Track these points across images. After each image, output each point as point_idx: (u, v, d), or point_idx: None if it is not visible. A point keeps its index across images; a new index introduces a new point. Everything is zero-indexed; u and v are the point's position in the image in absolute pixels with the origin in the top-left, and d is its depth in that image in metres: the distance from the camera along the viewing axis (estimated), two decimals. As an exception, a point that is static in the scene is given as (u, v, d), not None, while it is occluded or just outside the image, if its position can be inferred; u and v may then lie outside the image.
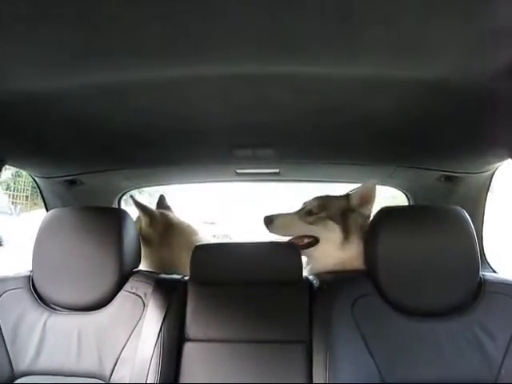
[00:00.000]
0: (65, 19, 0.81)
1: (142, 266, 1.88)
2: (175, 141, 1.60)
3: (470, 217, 1.47)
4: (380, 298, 1.45)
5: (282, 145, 1.67)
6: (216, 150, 1.74)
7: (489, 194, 1.92)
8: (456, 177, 1.86)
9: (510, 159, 1.52)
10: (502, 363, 1.38)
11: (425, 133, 1.47)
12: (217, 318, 1.55)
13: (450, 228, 1.46)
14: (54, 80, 1.06)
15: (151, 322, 1.48)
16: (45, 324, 1.50)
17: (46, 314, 1.52)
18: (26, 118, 1.28)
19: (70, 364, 1.47)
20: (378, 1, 0.78)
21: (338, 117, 1.34)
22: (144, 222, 2.02)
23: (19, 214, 8.40)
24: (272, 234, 1.78)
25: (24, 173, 2.02)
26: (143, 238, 1.96)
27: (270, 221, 1.78)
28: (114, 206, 2.33)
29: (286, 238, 1.78)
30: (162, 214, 2.08)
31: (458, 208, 1.49)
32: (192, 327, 1.55)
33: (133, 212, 1.72)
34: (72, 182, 2.03)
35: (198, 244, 1.70)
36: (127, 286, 1.54)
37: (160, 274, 1.70)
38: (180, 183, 2.33)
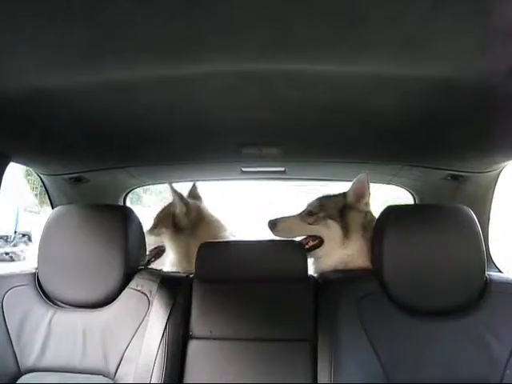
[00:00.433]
0: (73, 16, 0.81)
1: (171, 253, 1.95)
2: (181, 138, 1.60)
3: (476, 216, 1.46)
4: (385, 297, 1.44)
5: (288, 143, 1.67)
6: (222, 147, 1.74)
7: (495, 193, 1.91)
8: (462, 176, 1.85)
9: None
10: (508, 363, 1.37)
11: (431, 132, 1.47)
12: (222, 316, 1.55)
13: (456, 227, 1.45)
14: (60, 77, 1.06)
15: (156, 319, 1.48)
16: (50, 321, 1.51)
17: (51, 311, 1.52)
18: (32, 114, 1.28)
19: (75, 361, 1.47)
20: None
21: (344, 115, 1.34)
22: (179, 209, 2.01)
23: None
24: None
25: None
26: (176, 225, 1.99)
27: (273, 225, 1.81)
28: (119, 204, 2.33)
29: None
30: (195, 204, 2.09)
31: (464, 207, 1.49)
32: (197, 325, 1.55)
33: (138, 210, 1.72)
34: (78, 180, 2.03)
35: (203, 242, 1.70)
36: (132, 284, 1.54)
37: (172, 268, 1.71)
38: (186, 181, 2.32)
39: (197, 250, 1.63)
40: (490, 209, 1.93)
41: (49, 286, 1.54)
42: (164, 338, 1.45)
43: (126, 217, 1.56)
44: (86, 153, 1.77)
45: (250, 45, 0.93)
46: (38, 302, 1.53)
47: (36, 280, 1.56)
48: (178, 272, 1.87)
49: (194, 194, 2.18)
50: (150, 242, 2.04)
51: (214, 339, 1.53)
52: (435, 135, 1.49)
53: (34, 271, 1.58)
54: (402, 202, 2.34)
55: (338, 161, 1.94)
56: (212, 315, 1.55)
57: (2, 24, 0.83)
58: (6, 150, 1.57)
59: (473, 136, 1.45)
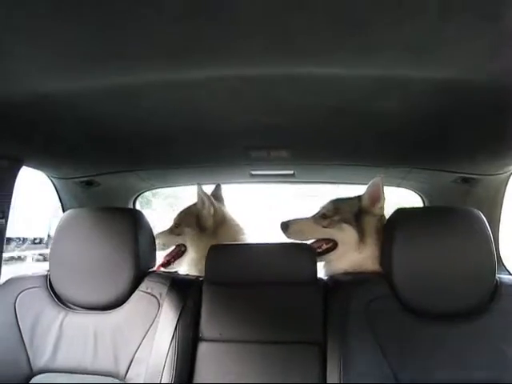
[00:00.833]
0: (79, 20, 0.82)
1: (191, 253, 1.99)
2: (190, 142, 1.61)
3: (486, 219, 1.46)
4: (395, 300, 1.44)
5: (297, 146, 1.67)
6: (231, 151, 1.74)
7: (505, 195, 1.90)
8: (472, 178, 1.84)
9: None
10: None
11: (440, 134, 1.46)
12: (231, 319, 1.55)
13: (466, 230, 1.45)
14: (68, 81, 1.07)
15: (166, 321, 1.48)
16: (62, 323, 1.52)
17: (62, 313, 1.54)
18: (41, 119, 1.30)
19: (86, 362, 1.48)
20: (390, 1, 0.78)
21: (352, 117, 1.34)
22: (207, 210, 2.02)
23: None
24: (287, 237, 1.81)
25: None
26: (200, 225, 2.01)
27: (286, 226, 1.81)
28: (129, 207, 2.35)
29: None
30: (219, 206, 2.10)
31: (475, 210, 1.48)
32: (207, 327, 1.55)
33: (147, 214, 1.73)
34: (88, 183, 2.05)
35: (213, 244, 1.71)
36: (142, 286, 1.55)
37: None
38: (195, 184, 2.34)
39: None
40: (500, 211, 1.92)
41: (60, 289, 1.55)
42: (174, 340, 1.46)
43: (136, 220, 1.58)
44: (96, 156, 1.79)
45: (254, 49, 0.93)
46: (50, 304, 1.55)
47: (48, 282, 1.58)
48: (188, 275, 1.88)
49: (217, 195, 2.19)
50: (170, 242, 2.08)
51: (224, 341, 1.53)
52: (444, 138, 1.49)
53: (46, 274, 1.60)
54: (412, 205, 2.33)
55: (346, 164, 1.94)
56: (221, 317, 1.56)
57: (6, 29, 0.84)
58: (18, 154, 1.59)
59: (483, 138, 1.44)
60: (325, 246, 1.77)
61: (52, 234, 1.63)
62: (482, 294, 1.42)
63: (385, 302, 1.44)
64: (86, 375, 1.48)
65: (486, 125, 1.32)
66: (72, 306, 1.56)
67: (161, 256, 2.10)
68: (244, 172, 2.07)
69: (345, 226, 1.74)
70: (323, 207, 1.83)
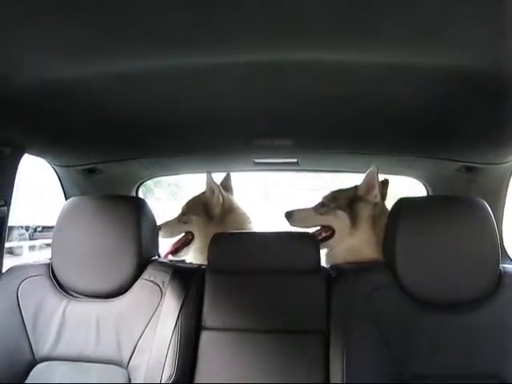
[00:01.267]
0: (87, 7, 0.81)
1: (198, 240, 2.01)
2: (194, 130, 1.61)
3: (491, 208, 1.45)
4: (398, 289, 1.44)
5: (301, 134, 1.66)
6: (235, 139, 1.74)
7: (510, 185, 1.89)
8: (476, 167, 1.83)
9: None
10: None
11: (445, 123, 1.45)
12: (234, 307, 1.55)
13: (470, 219, 1.44)
14: (74, 69, 1.06)
15: (169, 310, 1.49)
16: (64, 311, 1.53)
17: (65, 301, 1.54)
18: (46, 106, 1.29)
19: (89, 350, 1.49)
20: None
21: (356, 105, 1.33)
22: (216, 199, 2.04)
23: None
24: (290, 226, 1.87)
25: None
26: (208, 213, 2.04)
27: (289, 215, 1.92)
28: (132, 195, 2.34)
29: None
30: (227, 195, 2.11)
31: (479, 199, 1.47)
32: (209, 316, 1.55)
33: (151, 202, 1.73)
34: (91, 171, 2.05)
35: (217, 233, 1.71)
36: (145, 274, 1.55)
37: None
38: (198, 172, 2.33)
39: None
40: (504, 201, 1.91)
41: (63, 277, 1.55)
42: (177, 329, 1.46)
43: (138, 208, 1.57)
44: (99, 144, 1.78)
45: (262, 35, 0.92)
46: (52, 292, 1.55)
47: (50, 270, 1.58)
48: (191, 263, 1.88)
49: (226, 185, 2.19)
50: (178, 230, 2.10)
51: (226, 330, 1.54)
52: (449, 126, 1.48)
53: (48, 262, 1.60)
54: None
55: (350, 152, 1.93)
56: (224, 306, 1.56)
57: (16, 17, 0.83)
58: (21, 141, 1.59)
59: (487, 127, 1.43)
60: (324, 234, 1.85)
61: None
62: (486, 283, 1.41)
63: (388, 291, 1.44)
64: (88, 363, 1.48)
65: (490, 113, 1.31)
66: (74, 294, 1.56)
67: (169, 244, 2.12)
68: (247, 160, 2.06)
69: (339, 212, 1.82)
70: (324, 197, 1.91)
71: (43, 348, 1.50)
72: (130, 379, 1.45)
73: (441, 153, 1.84)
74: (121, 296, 1.53)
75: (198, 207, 2.07)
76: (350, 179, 2.21)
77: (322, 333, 1.49)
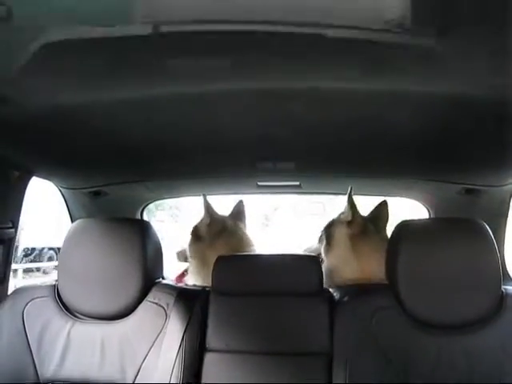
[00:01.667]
0: (93, 36, 0.84)
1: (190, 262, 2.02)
2: (197, 154, 1.63)
3: (492, 230, 1.46)
4: (400, 311, 1.44)
5: (304, 158, 1.69)
6: (238, 162, 1.76)
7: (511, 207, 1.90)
8: (478, 190, 1.85)
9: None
10: None
11: (446, 146, 1.47)
12: (238, 330, 1.56)
13: (472, 241, 1.45)
14: (81, 94, 1.09)
15: (173, 332, 1.49)
16: (69, 332, 1.53)
17: (70, 323, 1.55)
18: (53, 130, 1.32)
19: (93, 372, 1.49)
20: None
21: (359, 130, 1.35)
22: (203, 220, 2.07)
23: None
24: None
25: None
26: (196, 233, 2.07)
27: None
28: (137, 217, 2.36)
29: None
30: (220, 217, 2.11)
31: (479, 221, 1.48)
32: (213, 338, 1.56)
33: (154, 223, 1.75)
34: (97, 193, 2.07)
35: (220, 255, 1.72)
36: (150, 296, 1.56)
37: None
38: (200, 195, 2.35)
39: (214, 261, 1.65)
40: (505, 222, 1.92)
41: (68, 298, 1.56)
42: (181, 351, 1.47)
43: (143, 230, 1.59)
44: (105, 167, 1.81)
45: (267, 62, 0.94)
46: (58, 314, 1.56)
47: (56, 292, 1.59)
48: (195, 285, 1.89)
49: (237, 211, 2.20)
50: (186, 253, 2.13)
51: (230, 352, 1.54)
52: (450, 149, 1.50)
53: (54, 283, 1.61)
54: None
55: (352, 175, 1.95)
56: (228, 328, 1.56)
57: (24, 42, 0.86)
58: (30, 165, 1.62)
59: (488, 150, 1.45)
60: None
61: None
62: (488, 305, 1.42)
63: (390, 313, 1.44)
64: None
65: (490, 138, 1.33)
66: (79, 316, 1.57)
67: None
68: (251, 183, 2.09)
69: (323, 237, 1.94)
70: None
71: (48, 369, 1.50)
72: None
73: (442, 175, 1.86)
74: (126, 318, 1.54)
75: (192, 230, 2.10)
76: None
77: (325, 354, 1.49)
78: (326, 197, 2.73)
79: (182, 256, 2.14)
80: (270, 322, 1.57)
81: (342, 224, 1.88)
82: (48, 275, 6.19)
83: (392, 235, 1.58)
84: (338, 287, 1.69)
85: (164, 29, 0.81)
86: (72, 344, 1.52)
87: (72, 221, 2.12)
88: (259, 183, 2.08)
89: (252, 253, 2.02)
